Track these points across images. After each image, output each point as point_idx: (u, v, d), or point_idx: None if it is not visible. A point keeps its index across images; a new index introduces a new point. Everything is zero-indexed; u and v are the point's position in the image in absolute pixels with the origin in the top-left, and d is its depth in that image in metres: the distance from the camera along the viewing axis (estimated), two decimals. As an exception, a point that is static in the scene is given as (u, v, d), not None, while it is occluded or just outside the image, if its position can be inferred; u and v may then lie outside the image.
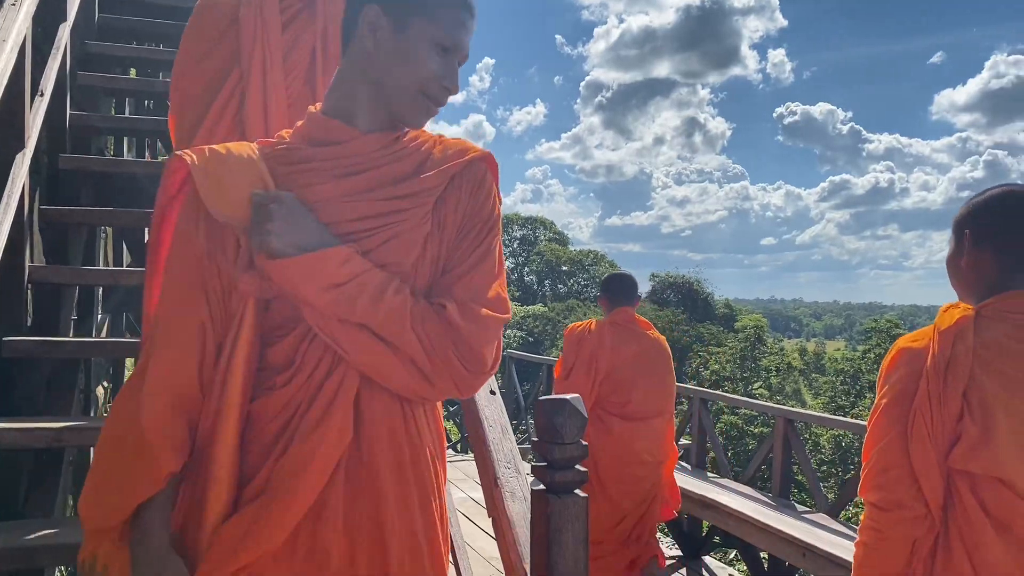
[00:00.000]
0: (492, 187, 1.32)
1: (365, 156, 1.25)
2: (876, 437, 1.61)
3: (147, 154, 5.56)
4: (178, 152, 1.20)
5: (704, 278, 41.98)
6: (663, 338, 4.05)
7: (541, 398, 1.47)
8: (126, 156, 5.34)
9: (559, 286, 43.46)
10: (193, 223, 1.21)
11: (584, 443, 1.48)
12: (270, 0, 2.12)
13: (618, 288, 4.08)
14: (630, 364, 3.91)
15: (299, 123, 1.32)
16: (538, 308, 35.43)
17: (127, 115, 5.11)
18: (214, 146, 1.22)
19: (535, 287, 44.38)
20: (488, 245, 1.28)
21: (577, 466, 1.48)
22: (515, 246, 46.23)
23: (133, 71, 5.25)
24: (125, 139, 5.41)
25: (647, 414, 3.92)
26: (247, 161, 1.22)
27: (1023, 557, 1.47)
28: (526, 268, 44.89)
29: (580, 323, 4.19)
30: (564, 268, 43.87)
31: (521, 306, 34.32)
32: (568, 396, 1.47)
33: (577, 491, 1.46)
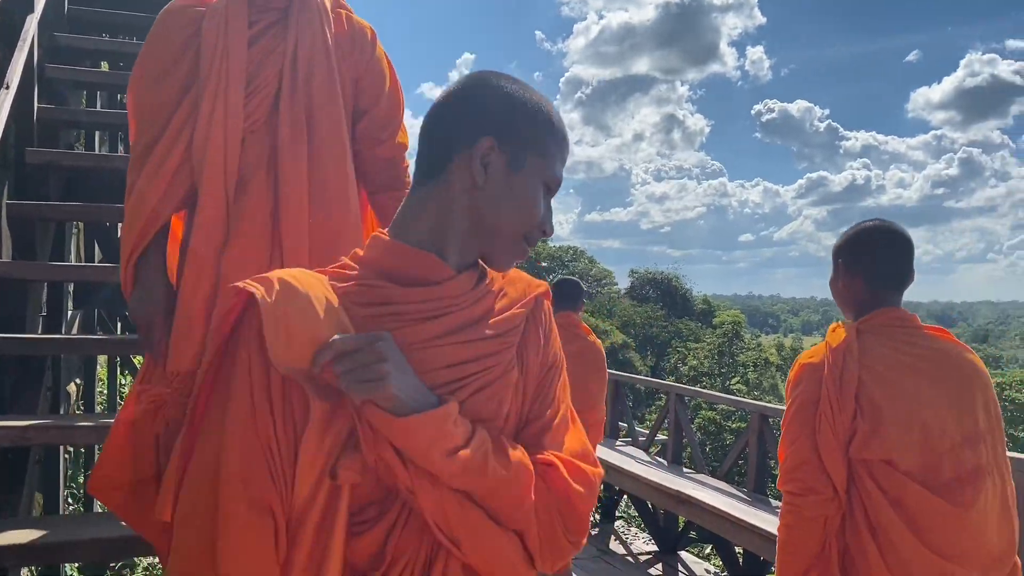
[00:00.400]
0: (554, 324, 1.21)
1: (456, 297, 1.08)
2: (789, 439, 1.95)
3: (120, 148, 5.49)
4: (241, 284, 0.97)
5: (683, 274, 42.22)
6: (599, 342, 4.40)
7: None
8: (98, 151, 5.27)
9: (538, 282, 43.48)
10: (260, 377, 0.96)
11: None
12: (237, 11, 1.93)
13: (562, 293, 4.38)
14: (568, 363, 4.16)
15: (358, 251, 1.11)
16: (517, 304, 35.34)
17: (99, 108, 5.03)
18: (284, 276, 0.99)
19: (515, 283, 44.37)
20: (563, 389, 1.16)
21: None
22: (495, 242, 46.25)
23: (105, 64, 5.18)
24: (97, 133, 5.34)
25: (580, 409, 4.16)
26: (327, 305, 1.00)
27: (913, 525, 1.81)
28: (506, 264, 44.92)
29: None
30: (543, 264, 43.87)
31: (500, 302, 34.19)
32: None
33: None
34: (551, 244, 45.71)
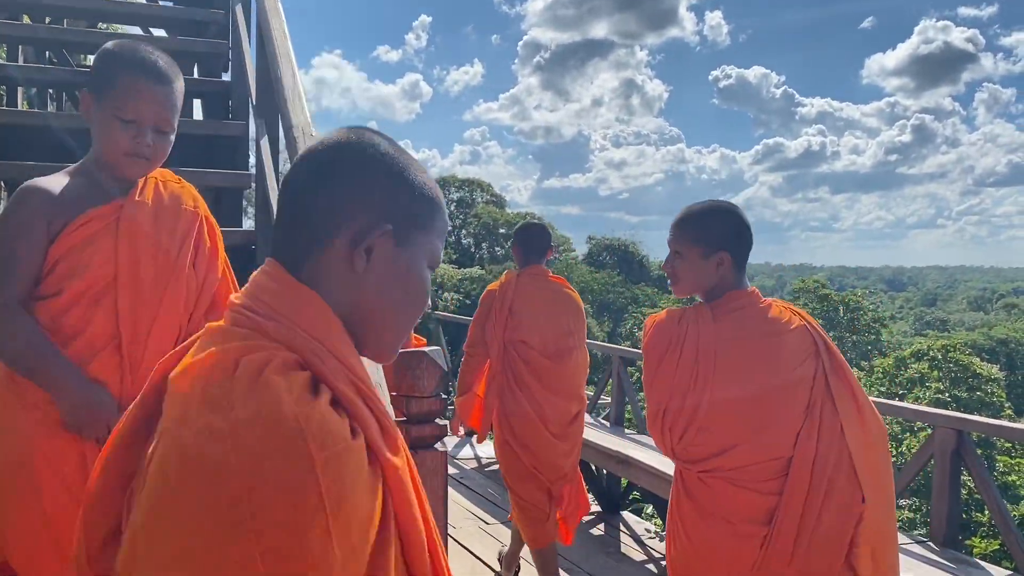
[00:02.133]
0: None
1: None
2: (473, 329, 3.75)
3: (51, 106, 5.30)
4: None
5: (640, 240, 42.55)
6: None
7: (400, 351, 1.43)
8: (21, 107, 5.07)
9: (496, 249, 43.41)
10: None
11: (444, 396, 1.46)
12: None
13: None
14: None
15: None
16: (475, 271, 35.35)
17: (23, 64, 4.83)
18: None
19: (472, 250, 44.23)
20: None
21: (437, 420, 1.45)
22: (452, 208, 45.91)
23: (26, 17, 4.98)
24: (19, 89, 5.14)
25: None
26: None
27: (537, 376, 3.53)
28: (463, 231, 44.70)
29: None
30: (501, 231, 43.80)
31: (458, 269, 34.21)
32: (427, 349, 1.44)
33: (436, 446, 1.43)
34: (509, 211, 45.61)
